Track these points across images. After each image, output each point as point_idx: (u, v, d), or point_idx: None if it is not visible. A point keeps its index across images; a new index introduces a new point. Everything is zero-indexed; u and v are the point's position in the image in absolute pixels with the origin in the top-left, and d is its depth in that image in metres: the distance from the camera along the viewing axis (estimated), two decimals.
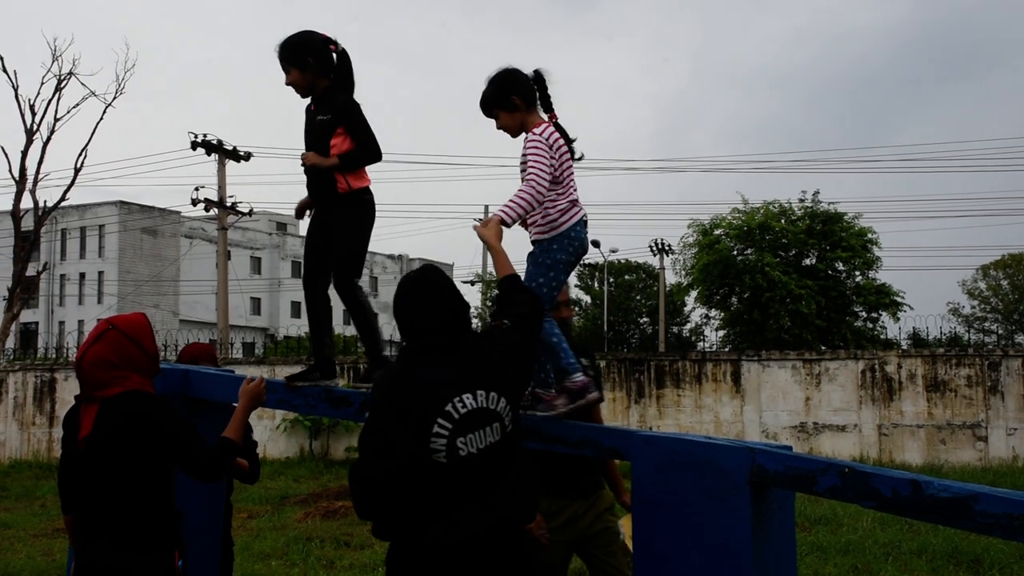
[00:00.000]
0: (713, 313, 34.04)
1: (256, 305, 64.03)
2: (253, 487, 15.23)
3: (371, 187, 5.03)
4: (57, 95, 22.91)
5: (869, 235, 30.79)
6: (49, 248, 58.07)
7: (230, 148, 31.83)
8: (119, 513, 3.91)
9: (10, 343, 26.32)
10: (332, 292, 5.13)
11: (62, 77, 22.92)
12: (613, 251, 46.96)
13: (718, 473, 3.79)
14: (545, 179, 4.36)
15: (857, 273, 31.18)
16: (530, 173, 4.35)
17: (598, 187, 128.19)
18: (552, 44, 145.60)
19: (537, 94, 4.63)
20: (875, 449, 22.82)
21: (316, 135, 4.95)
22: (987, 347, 25.57)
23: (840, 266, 31.12)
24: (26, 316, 53.44)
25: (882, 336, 30.10)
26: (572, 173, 4.60)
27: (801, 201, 31.67)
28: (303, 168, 4.96)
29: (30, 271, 22.96)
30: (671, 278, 40.09)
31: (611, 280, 45.11)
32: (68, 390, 26.02)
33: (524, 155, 4.47)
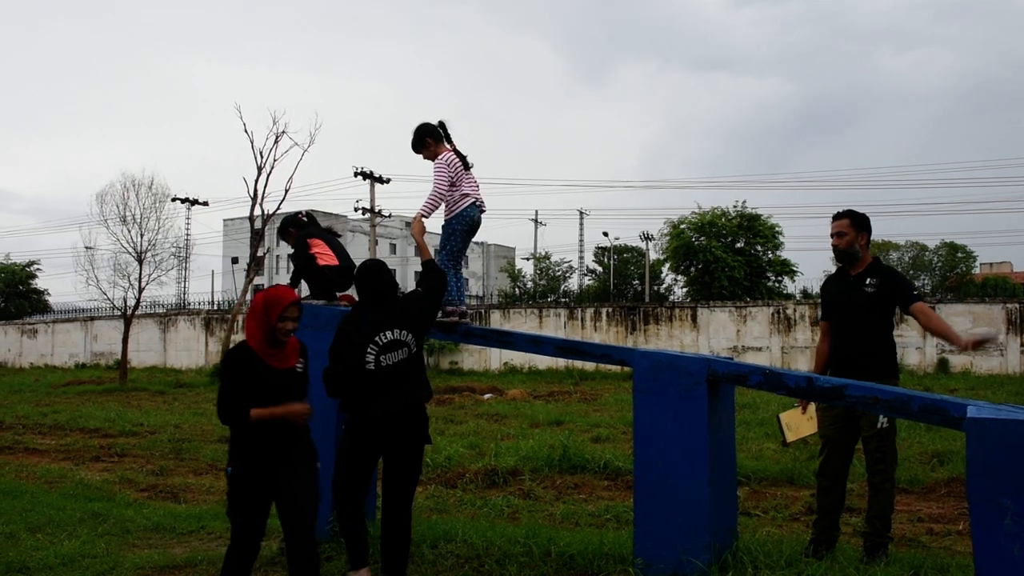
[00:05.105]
0: (679, 278, 33.60)
1: (393, 275, 64.21)
2: None
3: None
4: (275, 145, 23.17)
5: (776, 228, 30.28)
6: (269, 238, 58.79)
7: (378, 175, 32.37)
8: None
9: (248, 296, 26.87)
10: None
11: (278, 134, 23.17)
12: (616, 238, 46.87)
13: (687, 374, 3.82)
14: (444, 187, 4.42)
15: (769, 252, 30.63)
16: (433, 185, 4.41)
17: (607, 197, 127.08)
18: (576, 105, 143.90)
19: (442, 134, 4.57)
20: (779, 363, 22.59)
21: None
22: None
23: (759, 248, 30.57)
24: (256, 280, 54.47)
25: (784, 291, 29.74)
26: (466, 177, 4.54)
27: (735, 207, 31.09)
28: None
29: (259, 252, 23.40)
30: (653, 255, 39.72)
31: (615, 256, 44.76)
32: None
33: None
